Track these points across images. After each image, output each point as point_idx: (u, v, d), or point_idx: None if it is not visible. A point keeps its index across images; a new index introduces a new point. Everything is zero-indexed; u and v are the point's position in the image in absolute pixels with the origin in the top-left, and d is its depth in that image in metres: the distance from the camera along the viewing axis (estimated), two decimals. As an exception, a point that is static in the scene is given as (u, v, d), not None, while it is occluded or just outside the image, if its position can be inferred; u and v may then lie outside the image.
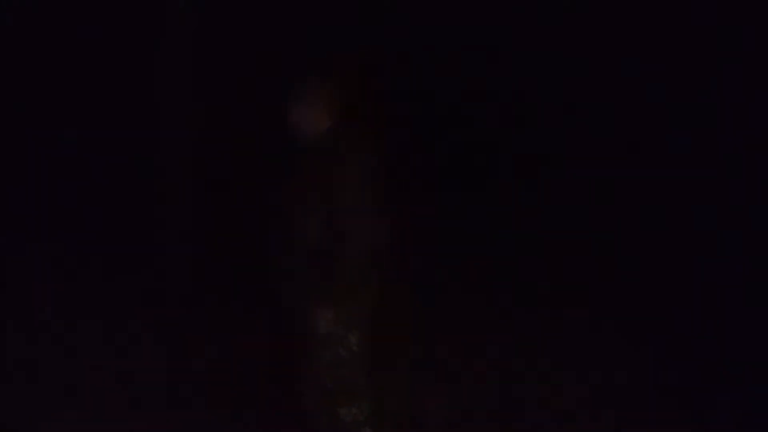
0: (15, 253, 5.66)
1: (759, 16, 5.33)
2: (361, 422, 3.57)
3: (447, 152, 6.40)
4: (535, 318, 5.31)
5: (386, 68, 5.82)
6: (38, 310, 5.14)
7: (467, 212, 6.18)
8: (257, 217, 3.56)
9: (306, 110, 3.39)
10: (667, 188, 5.75)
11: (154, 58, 5.34)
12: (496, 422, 4.32)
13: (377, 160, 3.39)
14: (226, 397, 4.40)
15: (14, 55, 6.19)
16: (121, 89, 6.09)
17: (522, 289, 5.60)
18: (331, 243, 3.33)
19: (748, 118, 5.40)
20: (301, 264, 3.41)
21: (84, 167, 6.20)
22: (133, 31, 5.91)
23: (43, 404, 4.29)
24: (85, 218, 5.99)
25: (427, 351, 4.92)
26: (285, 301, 3.51)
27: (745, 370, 4.57)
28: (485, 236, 6.05)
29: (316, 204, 3.34)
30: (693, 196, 5.56)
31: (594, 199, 5.92)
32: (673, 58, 5.74)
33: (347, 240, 3.32)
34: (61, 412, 4.23)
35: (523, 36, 6.25)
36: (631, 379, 4.67)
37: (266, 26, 6.13)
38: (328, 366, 3.51)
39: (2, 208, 5.86)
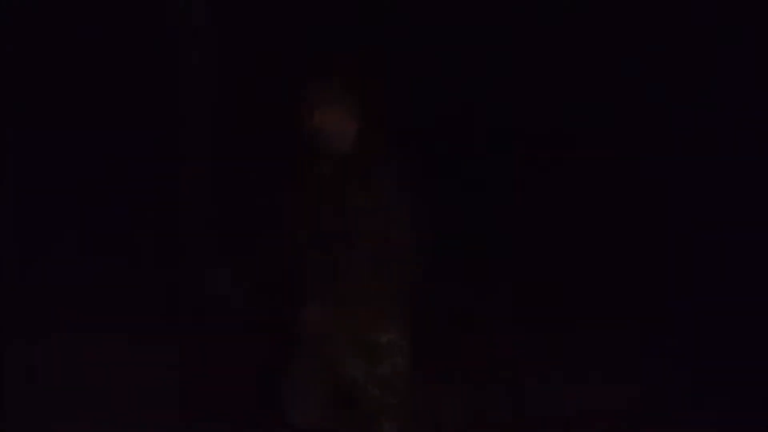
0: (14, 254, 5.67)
1: (759, 16, 5.33)
2: None
3: (452, 154, 6.40)
4: (576, 324, 5.27)
5: (402, 70, 5.80)
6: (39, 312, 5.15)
7: (487, 214, 6.17)
8: (282, 223, 3.46)
9: (325, 115, 3.30)
10: (668, 188, 5.76)
11: (159, 59, 5.33)
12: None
13: (399, 163, 3.32)
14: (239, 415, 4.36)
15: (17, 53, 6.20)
16: (128, 91, 6.08)
17: (554, 293, 5.55)
18: (364, 247, 3.25)
19: (748, 118, 5.41)
20: (340, 272, 3.28)
21: (89, 169, 6.20)
22: (139, 33, 5.90)
23: (39, 407, 4.30)
24: (90, 219, 6.00)
25: (462, 359, 4.89)
26: (319, 315, 3.35)
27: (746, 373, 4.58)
28: (498, 236, 6.02)
29: (341, 208, 3.25)
30: (693, 196, 5.56)
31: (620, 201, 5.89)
32: (673, 58, 5.75)
33: (381, 245, 3.24)
34: (55, 416, 4.23)
35: (524, 35, 6.24)
36: (639, 382, 4.68)
37: (282, 26, 6.12)
38: (381, 378, 3.32)
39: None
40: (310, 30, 6.07)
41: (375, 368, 3.31)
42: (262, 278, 3.60)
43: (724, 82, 5.54)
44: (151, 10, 5.54)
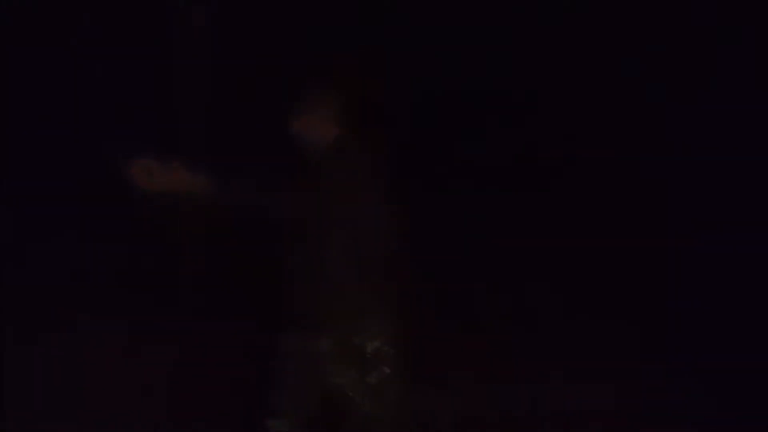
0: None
1: (759, 16, 5.34)
2: None
3: (453, 154, 6.40)
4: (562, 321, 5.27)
5: (390, 70, 5.78)
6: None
7: (477, 214, 6.17)
8: (271, 230, 3.38)
9: (310, 117, 3.26)
10: (668, 188, 5.76)
11: (159, 59, 5.33)
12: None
13: (385, 165, 3.27)
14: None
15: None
16: (128, 90, 6.08)
17: (539, 292, 5.55)
18: (351, 254, 3.17)
19: (748, 118, 5.41)
20: (326, 278, 3.17)
21: (90, 169, 6.19)
22: (139, 33, 5.90)
23: (39, 407, 4.30)
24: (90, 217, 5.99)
25: (461, 359, 4.86)
26: (308, 323, 3.23)
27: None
28: (495, 239, 6.02)
29: (330, 214, 3.17)
30: (693, 196, 5.57)
31: (599, 200, 5.89)
32: (673, 58, 5.75)
33: (367, 249, 3.20)
34: (55, 416, 4.23)
35: (524, 36, 6.25)
36: (639, 382, 4.67)
37: (281, 26, 6.11)
38: (369, 389, 3.21)
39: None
40: (309, 30, 6.07)
41: (363, 376, 3.22)
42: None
43: (724, 82, 5.54)
44: (151, 10, 5.54)
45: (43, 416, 4.20)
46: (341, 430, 3.28)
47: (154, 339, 4.95)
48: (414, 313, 3.38)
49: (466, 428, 4.32)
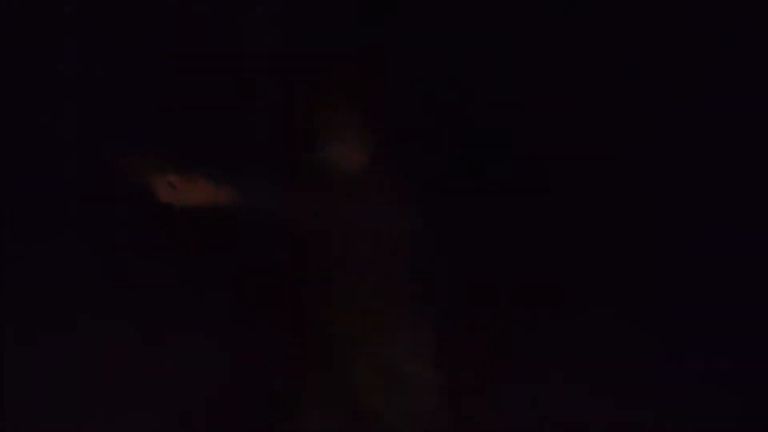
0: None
1: (759, 16, 5.34)
2: None
3: (453, 155, 6.40)
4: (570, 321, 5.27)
5: (390, 70, 5.78)
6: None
7: (477, 214, 6.17)
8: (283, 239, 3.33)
9: (325, 115, 3.24)
10: (668, 188, 5.76)
11: (155, 61, 5.34)
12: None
13: (398, 164, 3.26)
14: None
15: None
16: (126, 90, 6.08)
17: (544, 292, 5.55)
18: (354, 256, 3.17)
19: (748, 118, 5.41)
20: (343, 290, 3.15)
21: (90, 168, 6.20)
22: (140, 32, 5.90)
23: (39, 407, 4.30)
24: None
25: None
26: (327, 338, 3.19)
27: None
28: (496, 240, 6.02)
29: (335, 217, 3.14)
30: (693, 197, 5.57)
31: (610, 200, 5.89)
32: (673, 58, 5.75)
33: (367, 250, 3.16)
34: (55, 416, 4.23)
35: (524, 36, 6.25)
36: (639, 383, 4.67)
37: (282, 26, 6.11)
38: (404, 406, 3.13)
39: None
40: (309, 30, 6.07)
41: (399, 400, 3.15)
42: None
43: (724, 82, 5.54)
44: (152, 10, 5.54)
45: (43, 416, 4.20)
46: None
47: (156, 341, 4.96)
48: (429, 315, 3.35)
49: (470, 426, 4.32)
